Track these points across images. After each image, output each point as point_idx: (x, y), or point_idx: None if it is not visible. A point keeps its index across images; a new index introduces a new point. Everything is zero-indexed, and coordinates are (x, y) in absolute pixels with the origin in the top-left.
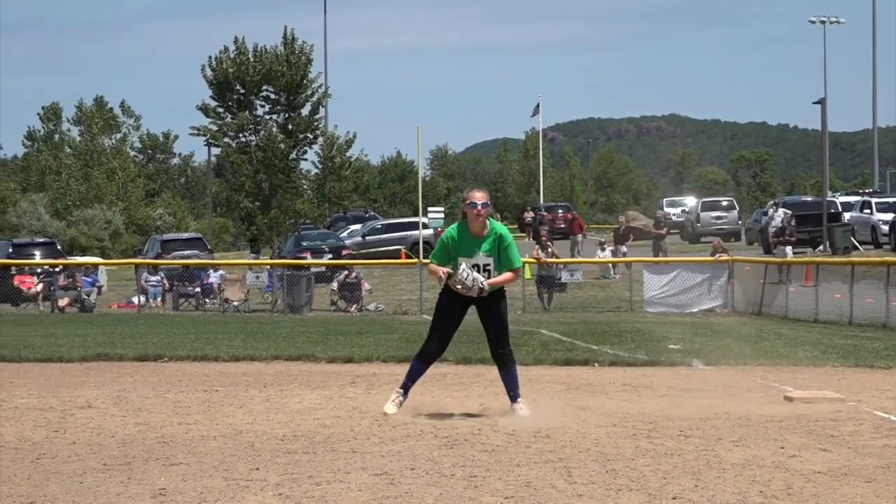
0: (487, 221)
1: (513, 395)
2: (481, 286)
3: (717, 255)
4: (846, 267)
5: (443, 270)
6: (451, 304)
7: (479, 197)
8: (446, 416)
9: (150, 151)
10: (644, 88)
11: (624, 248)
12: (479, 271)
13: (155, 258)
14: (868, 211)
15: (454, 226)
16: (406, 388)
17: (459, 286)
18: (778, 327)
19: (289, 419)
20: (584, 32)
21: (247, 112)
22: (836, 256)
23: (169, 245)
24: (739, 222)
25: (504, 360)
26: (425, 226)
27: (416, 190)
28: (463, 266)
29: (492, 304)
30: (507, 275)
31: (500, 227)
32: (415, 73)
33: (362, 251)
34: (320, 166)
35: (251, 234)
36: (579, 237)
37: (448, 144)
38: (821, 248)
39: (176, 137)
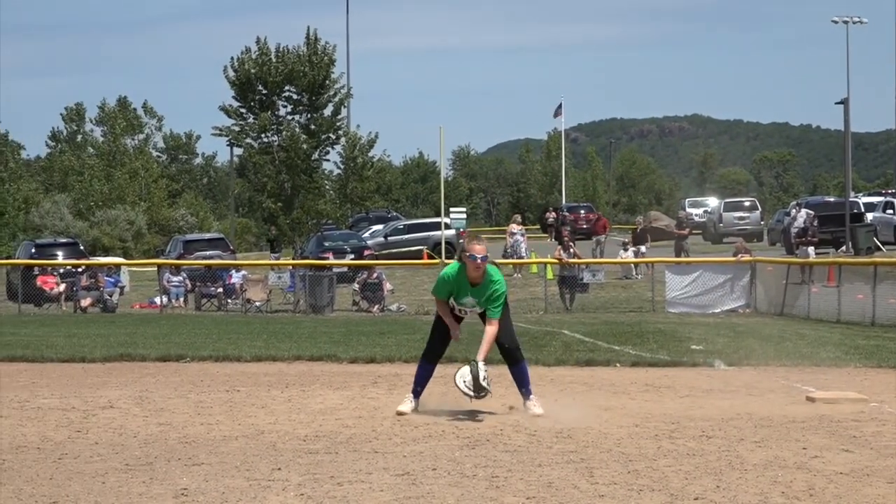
0: (486, 270)
1: (524, 391)
2: (485, 380)
3: (739, 255)
4: (869, 267)
5: (456, 331)
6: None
7: (479, 251)
8: (468, 416)
9: (172, 152)
10: (666, 89)
11: (643, 248)
12: (466, 314)
13: (177, 258)
14: (891, 211)
15: (455, 266)
16: (417, 394)
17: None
18: (800, 328)
19: (311, 419)
20: (606, 33)
21: (269, 112)
22: (858, 257)
23: (191, 245)
24: (762, 223)
25: (511, 356)
26: (447, 226)
27: (439, 190)
28: (476, 374)
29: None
30: (489, 337)
31: (496, 277)
32: (437, 74)
33: (384, 251)
34: (342, 167)
35: (270, 236)
36: (602, 237)
37: (470, 145)
38: (843, 248)
39: (198, 138)
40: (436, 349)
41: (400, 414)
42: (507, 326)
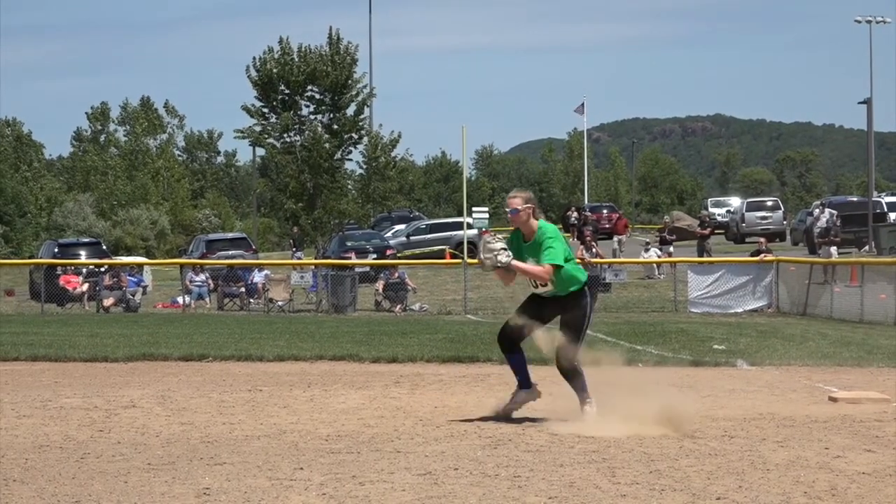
0: (535, 223)
1: (581, 397)
2: (497, 259)
3: (762, 255)
4: (891, 267)
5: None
6: (532, 297)
7: (512, 203)
8: (490, 416)
9: (193, 151)
10: (689, 88)
11: (670, 250)
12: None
13: (200, 258)
14: None
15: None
16: (524, 385)
17: (487, 261)
18: (823, 328)
19: (333, 419)
20: (628, 32)
21: (291, 112)
22: (881, 256)
23: (214, 245)
24: (784, 222)
25: (564, 373)
26: (470, 226)
27: (461, 190)
28: (486, 240)
29: (567, 306)
30: (536, 268)
31: (546, 227)
32: (460, 73)
33: (406, 251)
34: (365, 166)
35: (294, 236)
36: (623, 237)
37: (493, 144)
38: (866, 248)
39: (220, 135)
40: (510, 328)
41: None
42: (573, 339)
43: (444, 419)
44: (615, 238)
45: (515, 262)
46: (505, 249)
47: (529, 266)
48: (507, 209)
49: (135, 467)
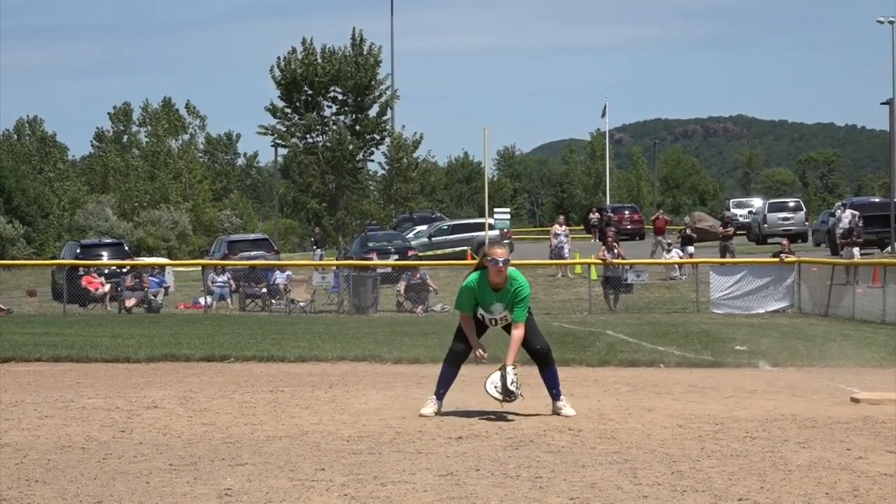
0: (508, 274)
1: (554, 392)
2: (513, 384)
3: (781, 256)
4: None
5: (479, 350)
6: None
7: (500, 254)
8: (511, 417)
9: (211, 154)
10: (711, 89)
11: (691, 249)
12: (495, 324)
13: (222, 259)
14: None
15: (476, 274)
16: (440, 395)
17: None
18: (845, 328)
19: (354, 420)
20: (650, 33)
21: (314, 113)
22: None
23: (236, 246)
24: (806, 223)
25: (543, 358)
26: (491, 227)
27: (483, 191)
28: (505, 378)
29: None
30: (516, 341)
31: (520, 280)
32: (482, 74)
33: (428, 252)
34: (387, 167)
35: (315, 237)
36: (662, 237)
37: (515, 145)
38: (888, 248)
39: (238, 136)
40: (459, 352)
41: (422, 416)
42: (535, 328)
43: (465, 420)
44: (657, 238)
45: (511, 360)
46: (514, 376)
47: (516, 345)
48: (497, 259)
49: (157, 468)
